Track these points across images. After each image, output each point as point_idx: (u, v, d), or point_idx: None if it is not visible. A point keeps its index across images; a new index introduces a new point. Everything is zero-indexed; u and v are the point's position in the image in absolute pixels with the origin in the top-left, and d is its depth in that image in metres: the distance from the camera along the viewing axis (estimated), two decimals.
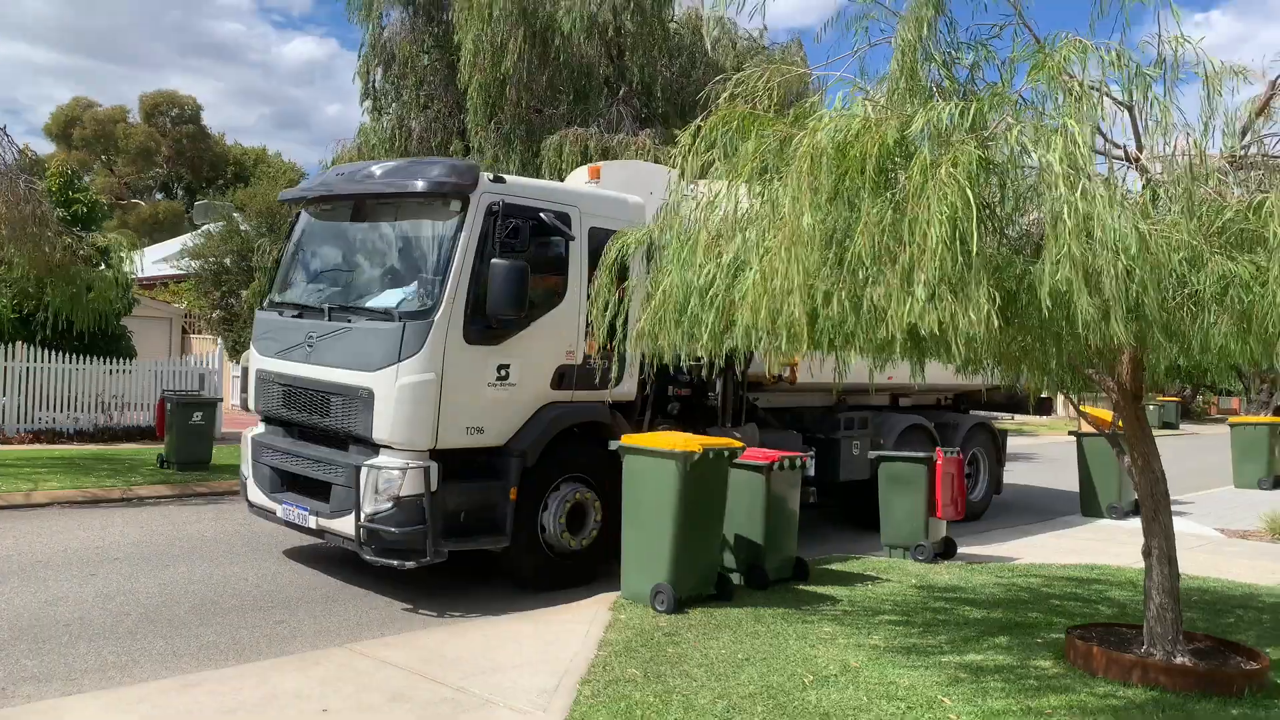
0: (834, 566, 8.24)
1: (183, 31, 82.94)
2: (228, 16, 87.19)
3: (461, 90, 17.26)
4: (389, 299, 7.16)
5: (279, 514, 7.53)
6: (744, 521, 7.40)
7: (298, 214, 8.48)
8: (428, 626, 6.37)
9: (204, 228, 29.92)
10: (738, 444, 7.05)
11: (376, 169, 7.67)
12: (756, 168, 4.32)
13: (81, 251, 12.88)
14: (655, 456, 6.65)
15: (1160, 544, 5.37)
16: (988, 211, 4.02)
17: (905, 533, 8.84)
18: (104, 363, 17.09)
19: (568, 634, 6.04)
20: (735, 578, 7.30)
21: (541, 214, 7.28)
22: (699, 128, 4.93)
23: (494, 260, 6.81)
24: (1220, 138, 4.86)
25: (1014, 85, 4.36)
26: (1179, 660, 5.29)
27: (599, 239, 7.39)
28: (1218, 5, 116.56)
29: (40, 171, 16.42)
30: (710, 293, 4.87)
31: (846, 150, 3.86)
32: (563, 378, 7.47)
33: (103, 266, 13.93)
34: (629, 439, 6.94)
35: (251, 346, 8.27)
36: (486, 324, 6.92)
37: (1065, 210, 3.74)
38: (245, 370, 8.47)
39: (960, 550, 9.06)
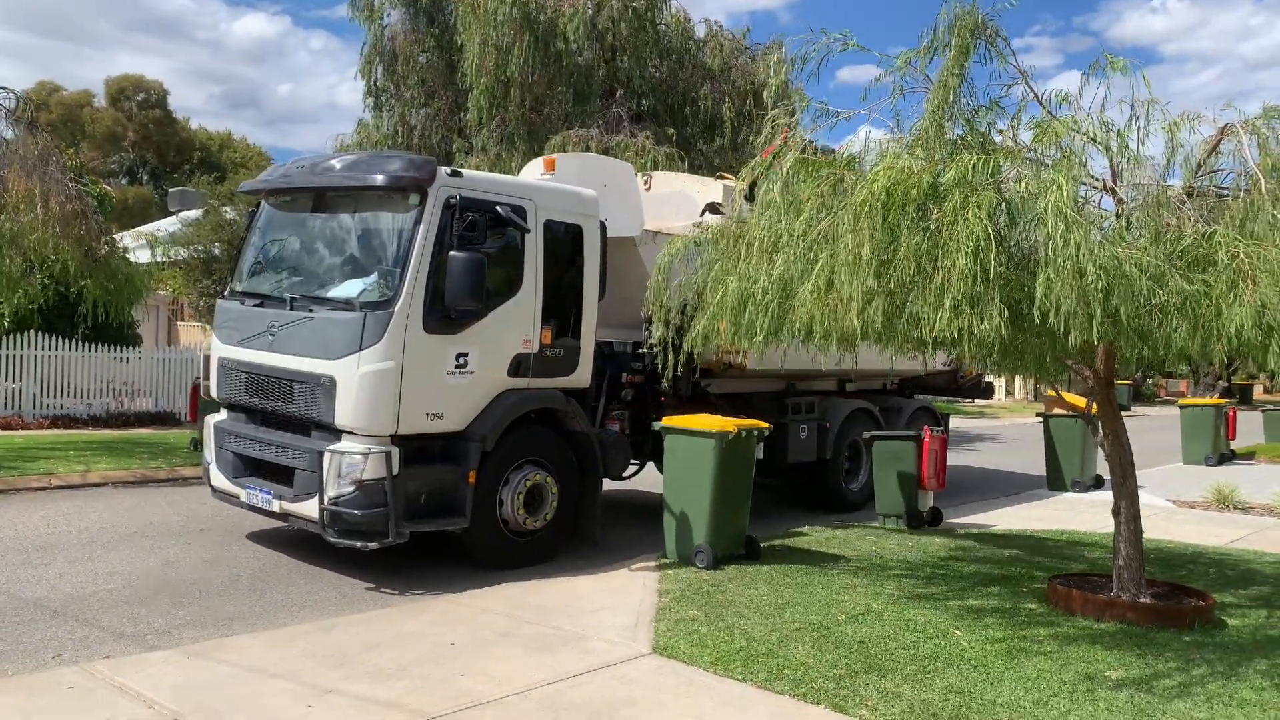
0: (838, 532, 9.34)
1: (129, 8, 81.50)
2: None
3: (463, 89, 18.13)
4: (350, 289, 7.37)
5: (243, 498, 7.73)
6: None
7: (258, 204, 8.62)
8: (476, 586, 7.09)
9: (180, 214, 30.27)
10: (765, 425, 8.08)
11: (336, 162, 7.82)
12: (816, 202, 5.34)
13: (119, 246, 13.56)
14: (695, 436, 7.68)
15: (1127, 505, 6.53)
16: (1000, 238, 5.07)
17: (898, 503, 9.96)
18: (113, 350, 17.75)
19: (627, 586, 7.08)
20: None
21: (498, 207, 7.44)
22: (754, 165, 5.89)
23: (452, 253, 7.02)
24: (1180, 172, 6.00)
25: (1019, 132, 5.45)
26: (1143, 600, 6.45)
27: (554, 230, 7.97)
28: None
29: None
30: (764, 300, 5.90)
31: (892, 192, 4.89)
32: (520, 365, 7.69)
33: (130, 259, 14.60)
34: (670, 420, 7.97)
35: (213, 335, 8.44)
36: (445, 314, 7.12)
37: (1052, 248, 4.83)
38: (206, 358, 8.68)
39: (945, 519, 10.22)
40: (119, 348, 17.91)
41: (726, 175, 10.99)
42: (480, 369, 7.47)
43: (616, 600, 6.67)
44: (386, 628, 5.99)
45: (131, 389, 18.21)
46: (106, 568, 7.33)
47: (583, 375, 8.32)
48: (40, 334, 16.78)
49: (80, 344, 17.14)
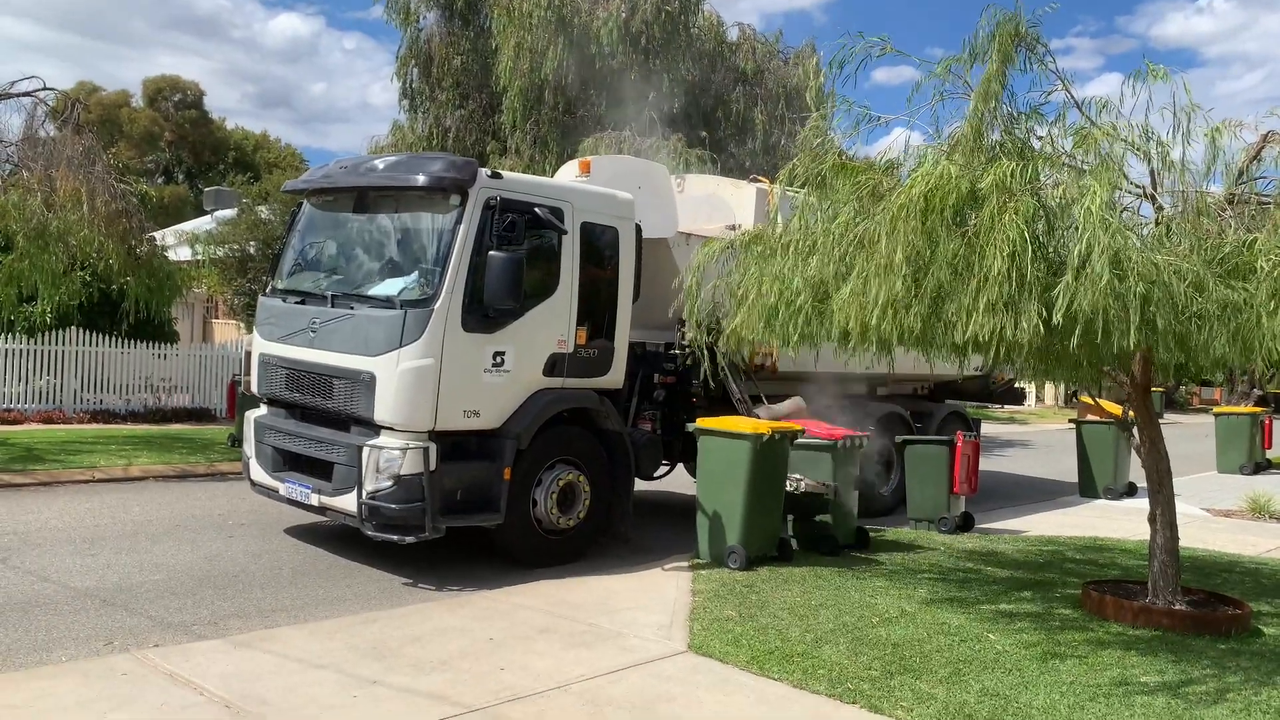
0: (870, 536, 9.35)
1: (166, 6, 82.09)
2: None
3: (497, 92, 18.29)
4: (391, 287, 7.48)
5: (282, 492, 7.86)
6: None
7: (300, 204, 8.81)
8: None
9: (215, 213, 30.67)
10: (798, 426, 8.13)
11: (379, 163, 7.96)
12: (853, 206, 5.39)
13: (158, 245, 13.83)
14: (730, 437, 7.73)
15: (1164, 511, 6.52)
16: (1038, 243, 5.10)
17: (930, 507, 9.97)
18: (151, 347, 18.05)
19: (661, 586, 7.15)
20: (792, 542, 8.36)
21: (536, 209, 7.54)
22: (794, 166, 5.95)
23: (491, 252, 7.13)
24: (1221, 178, 5.99)
25: (1058, 139, 5.48)
26: (1178, 607, 6.44)
27: (591, 232, 8.06)
28: None
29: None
30: (799, 301, 5.95)
31: (930, 197, 4.94)
32: (554, 365, 7.79)
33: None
34: (704, 422, 8.02)
35: (255, 331, 8.53)
36: (484, 313, 7.24)
37: (1083, 253, 4.84)
38: (248, 354, 8.73)
39: (977, 524, 10.20)
40: (157, 345, 18.21)
41: (760, 178, 11.03)
42: (516, 368, 7.57)
43: (651, 599, 6.75)
44: (426, 622, 6.09)
45: (169, 385, 18.52)
46: (151, 559, 7.50)
47: (616, 376, 8.40)
48: (81, 330, 17.10)
49: (120, 341, 17.44)
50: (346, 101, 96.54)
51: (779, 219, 6.31)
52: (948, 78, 5.44)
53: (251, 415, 8.49)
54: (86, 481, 10.97)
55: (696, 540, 7.98)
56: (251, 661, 5.21)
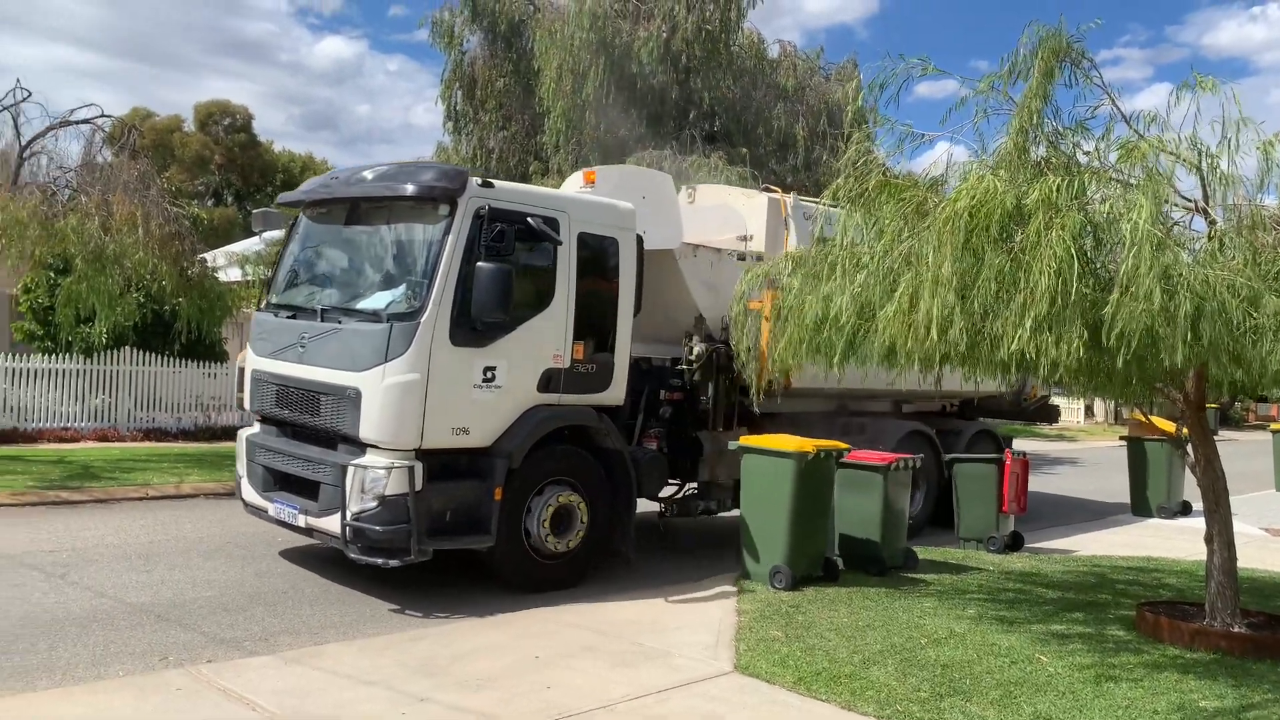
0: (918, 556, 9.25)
1: (215, 31, 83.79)
2: (258, 16, 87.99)
3: (539, 113, 18.48)
4: (378, 301, 7.30)
5: (271, 512, 7.65)
6: (862, 515, 8.35)
7: (296, 217, 8.55)
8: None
9: (264, 234, 31.19)
10: (844, 445, 8.08)
11: (369, 173, 7.73)
12: (899, 224, 5.38)
13: (209, 266, 14.14)
14: (774, 456, 7.71)
15: (1220, 531, 6.38)
16: (1086, 259, 5.04)
17: (979, 527, 9.85)
18: (201, 366, 18.41)
19: (706, 606, 7.13)
20: (839, 562, 8.28)
21: (529, 219, 7.31)
22: (838, 186, 5.95)
23: (479, 264, 6.89)
24: (1275, 191, 5.88)
25: (1106, 153, 5.42)
26: (1236, 629, 6.29)
27: (589, 243, 7.75)
28: None
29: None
30: (842, 321, 5.92)
31: (975, 212, 4.91)
32: (549, 381, 7.52)
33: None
34: (748, 440, 8.00)
35: (247, 346, 8.37)
36: (472, 326, 6.99)
37: (1129, 269, 4.77)
38: (241, 370, 8.68)
39: (1026, 544, 10.04)
40: (207, 364, 18.57)
41: (772, 188, 10.86)
42: (508, 383, 7.32)
43: (696, 619, 6.73)
44: (473, 640, 6.14)
45: (218, 404, 18.86)
46: (204, 575, 7.64)
47: (616, 392, 8.09)
48: (135, 350, 17.50)
49: (173, 360, 17.82)
50: (390, 123, 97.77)
51: (813, 236, 6.29)
52: (990, 94, 5.42)
53: (243, 433, 8.34)
54: (140, 499, 11.18)
55: (740, 560, 7.95)
56: (303, 678, 5.29)
